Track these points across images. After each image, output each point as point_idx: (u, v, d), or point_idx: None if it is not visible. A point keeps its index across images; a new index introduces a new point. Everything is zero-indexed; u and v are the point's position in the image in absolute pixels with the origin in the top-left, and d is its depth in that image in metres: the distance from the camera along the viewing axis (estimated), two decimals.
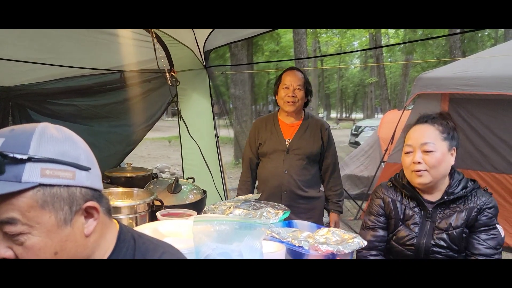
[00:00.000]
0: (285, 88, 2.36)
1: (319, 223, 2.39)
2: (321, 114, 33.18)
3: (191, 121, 3.36)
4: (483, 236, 1.53)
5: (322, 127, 2.42)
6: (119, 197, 1.89)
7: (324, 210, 2.53)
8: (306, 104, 2.47)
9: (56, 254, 0.78)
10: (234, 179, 7.77)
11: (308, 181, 2.39)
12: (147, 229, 1.40)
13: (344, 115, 41.92)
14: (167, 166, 9.15)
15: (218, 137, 3.51)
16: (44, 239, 0.76)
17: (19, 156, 0.73)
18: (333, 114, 40.64)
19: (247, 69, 9.27)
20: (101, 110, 3.42)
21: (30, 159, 0.73)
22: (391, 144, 4.89)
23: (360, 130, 12.11)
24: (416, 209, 1.62)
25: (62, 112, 3.15)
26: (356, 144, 10.82)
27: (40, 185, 0.74)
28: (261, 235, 1.30)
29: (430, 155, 1.54)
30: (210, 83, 3.38)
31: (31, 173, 0.73)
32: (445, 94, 4.37)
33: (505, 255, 3.78)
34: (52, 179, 0.75)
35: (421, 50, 19.64)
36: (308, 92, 2.41)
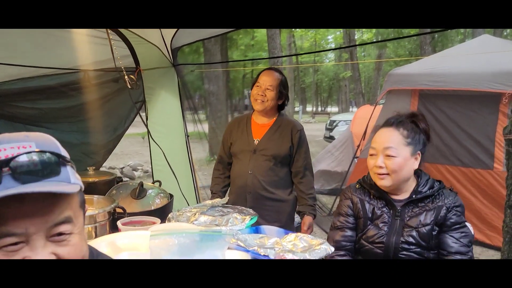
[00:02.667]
0: (257, 86, 2.33)
1: (287, 227, 2.31)
2: (297, 108, 33.35)
3: (160, 121, 3.28)
4: (456, 234, 1.56)
5: (293, 129, 2.35)
6: None
7: (297, 214, 2.47)
8: (281, 106, 2.42)
9: (84, 252, 0.80)
10: (209, 175, 7.70)
11: (275, 183, 2.34)
12: (103, 242, 1.32)
13: (319, 109, 42.27)
14: (140, 163, 8.95)
15: (188, 136, 3.44)
16: (81, 237, 0.78)
17: (68, 157, 0.77)
18: (309, 108, 40.94)
19: (220, 65, 9.14)
20: (67, 112, 3.25)
21: (69, 162, 0.77)
22: (363, 140, 4.93)
23: (334, 124, 12.21)
24: (384, 208, 1.63)
25: (22, 115, 2.96)
26: (331, 138, 10.91)
27: (80, 186, 0.77)
28: (223, 246, 1.25)
29: (392, 160, 1.55)
30: (179, 81, 3.30)
31: (73, 175, 0.77)
32: (415, 90, 4.43)
33: (474, 249, 3.87)
34: (79, 182, 0.78)
35: (393, 45, 20.00)
36: (281, 94, 2.35)
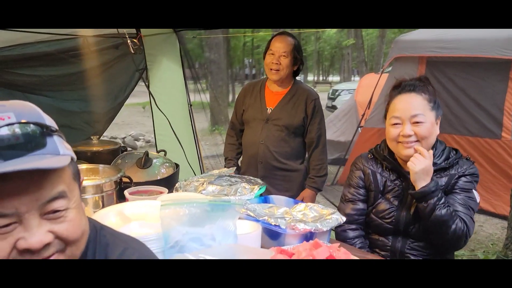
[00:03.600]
0: (271, 54, 2.23)
1: (297, 196, 2.32)
2: (298, 77, 32.92)
3: (162, 89, 3.21)
4: (459, 196, 1.51)
5: (308, 98, 2.26)
6: (84, 175, 1.74)
7: None
8: (296, 72, 2.33)
9: (84, 226, 0.74)
10: (211, 145, 7.66)
11: (286, 153, 2.28)
12: (111, 212, 1.30)
13: (321, 78, 41.75)
14: (142, 133, 8.93)
15: (191, 105, 3.38)
16: (78, 211, 0.72)
17: (54, 126, 0.69)
18: (310, 77, 40.47)
19: (221, 32, 8.91)
20: (66, 79, 3.17)
21: (56, 131, 0.69)
22: (368, 109, 4.85)
23: (337, 93, 12.03)
24: (397, 181, 1.58)
25: (21, 82, 2.88)
26: (333, 108, 10.79)
27: (71, 157, 0.71)
28: (234, 215, 1.22)
29: (421, 126, 1.47)
30: (181, 48, 3.20)
31: (61, 145, 0.69)
32: (422, 57, 4.32)
33: (478, 217, 3.90)
34: (70, 152, 0.72)
35: None
36: (296, 60, 2.25)
